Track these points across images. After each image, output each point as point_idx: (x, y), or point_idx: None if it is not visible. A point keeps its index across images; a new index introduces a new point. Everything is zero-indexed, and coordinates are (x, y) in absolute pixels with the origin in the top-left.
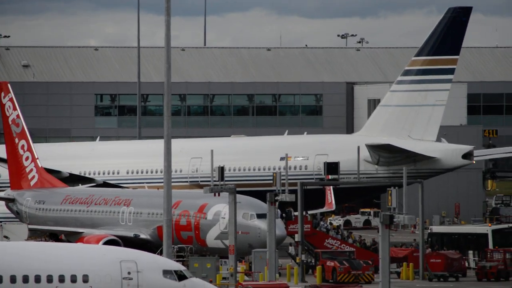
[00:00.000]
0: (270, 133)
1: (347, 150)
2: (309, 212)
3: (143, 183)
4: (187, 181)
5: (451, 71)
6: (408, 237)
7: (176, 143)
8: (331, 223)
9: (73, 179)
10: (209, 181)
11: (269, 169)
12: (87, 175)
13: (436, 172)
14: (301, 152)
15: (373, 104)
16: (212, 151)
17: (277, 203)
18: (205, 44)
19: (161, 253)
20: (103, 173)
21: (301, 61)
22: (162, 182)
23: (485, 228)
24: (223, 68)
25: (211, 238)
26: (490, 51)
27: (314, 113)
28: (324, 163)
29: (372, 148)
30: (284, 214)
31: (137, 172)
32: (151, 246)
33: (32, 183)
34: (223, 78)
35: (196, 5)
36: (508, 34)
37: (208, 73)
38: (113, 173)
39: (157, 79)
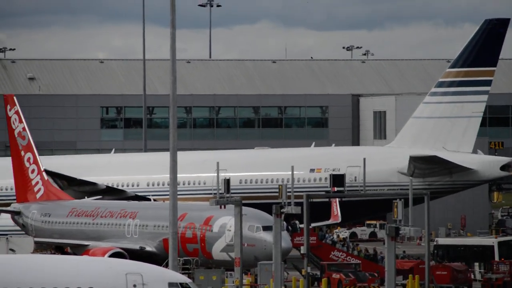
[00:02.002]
0: (276, 145)
1: (379, 161)
2: (313, 224)
3: (164, 195)
4: (211, 193)
5: (488, 83)
6: (413, 249)
7: (199, 155)
8: (338, 235)
9: (109, 191)
10: (233, 193)
11: (298, 181)
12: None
13: (473, 184)
14: (332, 164)
15: (378, 116)
16: (218, 163)
17: (283, 215)
18: (210, 57)
19: (166, 266)
20: (122, 186)
21: (307, 73)
22: (184, 194)
23: (491, 240)
24: (229, 80)
25: (217, 251)
26: None
27: (320, 125)
28: (330, 175)
29: (415, 159)
30: (290, 227)
31: (158, 184)
32: (157, 258)
33: (38, 195)
34: (229, 91)
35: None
36: None
37: (213, 85)
38: (133, 186)
39: (163, 92)
